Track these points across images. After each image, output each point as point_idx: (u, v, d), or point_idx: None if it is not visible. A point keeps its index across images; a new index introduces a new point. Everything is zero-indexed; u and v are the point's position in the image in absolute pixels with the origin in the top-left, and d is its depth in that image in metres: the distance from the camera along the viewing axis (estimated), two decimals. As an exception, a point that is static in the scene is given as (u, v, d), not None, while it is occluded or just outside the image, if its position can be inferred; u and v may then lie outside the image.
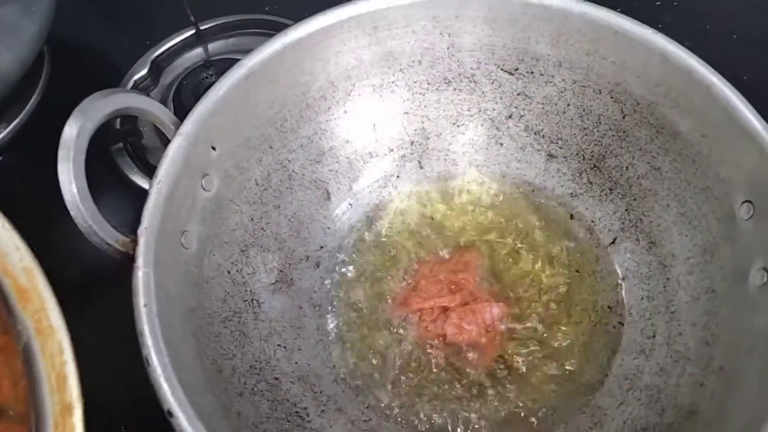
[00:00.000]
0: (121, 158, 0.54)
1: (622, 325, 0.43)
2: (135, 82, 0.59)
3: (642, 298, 0.43)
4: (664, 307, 0.42)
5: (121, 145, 0.55)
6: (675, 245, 0.43)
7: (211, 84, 0.58)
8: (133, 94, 0.38)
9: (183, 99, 0.57)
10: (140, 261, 0.34)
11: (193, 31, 0.62)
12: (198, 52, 0.62)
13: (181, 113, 0.50)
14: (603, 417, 0.40)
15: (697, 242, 0.42)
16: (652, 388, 0.40)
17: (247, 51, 0.60)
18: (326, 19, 0.43)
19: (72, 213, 0.34)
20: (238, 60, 0.56)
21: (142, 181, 0.53)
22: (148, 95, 0.50)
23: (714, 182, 0.40)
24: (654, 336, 0.42)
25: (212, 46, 0.62)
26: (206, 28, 0.62)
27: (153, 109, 0.38)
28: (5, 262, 0.28)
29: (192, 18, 0.60)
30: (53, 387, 0.27)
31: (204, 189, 0.41)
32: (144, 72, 0.59)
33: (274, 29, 0.63)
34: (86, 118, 0.34)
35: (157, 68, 0.60)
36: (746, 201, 0.38)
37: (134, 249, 0.35)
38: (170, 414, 0.31)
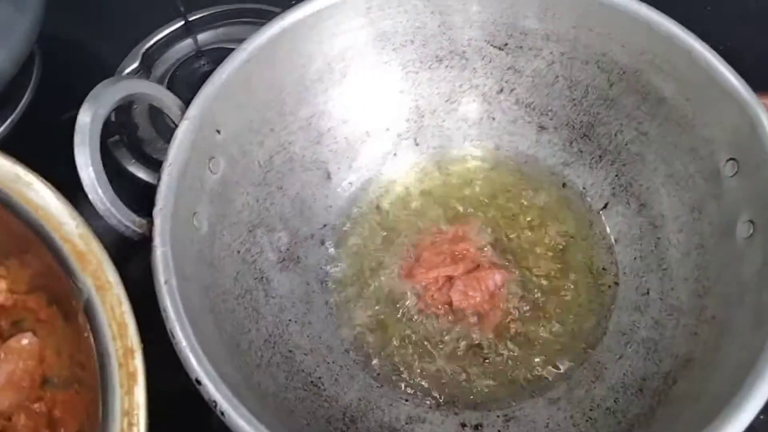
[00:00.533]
0: (118, 150, 0.55)
1: (617, 284, 0.45)
2: (127, 75, 0.60)
3: (635, 258, 0.46)
4: (657, 264, 0.44)
5: (117, 137, 0.55)
6: (664, 206, 0.45)
7: (206, 72, 0.59)
8: (139, 81, 0.39)
9: (176, 89, 0.57)
10: (158, 240, 0.36)
11: (182, 23, 0.62)
12: (188, 43, 0.63)
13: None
14: (603, 371, 0.42)
15: (685, 201, 0.44)
16: (649, 341, 0.42)
17: (236, 40, 0.62)
18: (321, 2, 0.44)
19: (90, 196, 0.35)
20: (229, 48, 0.57)
21: (140, 172, 0.54)
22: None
23: (699, 143, 0.42)
24: (648, 293, 0.44)
25: (201, 37, 0.63)
26: (195, 19, 0.63)
27: (160, 94, 0.39)
28: (63, 230, 0.32)
29: (181, 9, 0.61)
30: (115, 334, 0.30)
31: (211, 171, 0.42)
32: (135, 65, 0.60)
33: (262, 18, 0.64)
34: (98, 105, 0.35)
35: (148, 61, 0.61)
36: (730, 159, 0.40)
37: (151, 229, 0.36)
38: (198, 382, 0.32)
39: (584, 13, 0.44)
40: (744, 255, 0.38)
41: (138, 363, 0.29)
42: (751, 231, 0.38)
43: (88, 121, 0.34)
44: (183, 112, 0.40)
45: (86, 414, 0.29)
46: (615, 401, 0.40)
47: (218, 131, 0.42)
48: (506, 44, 0.48)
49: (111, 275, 0.31)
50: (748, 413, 0.30)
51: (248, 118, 0.44)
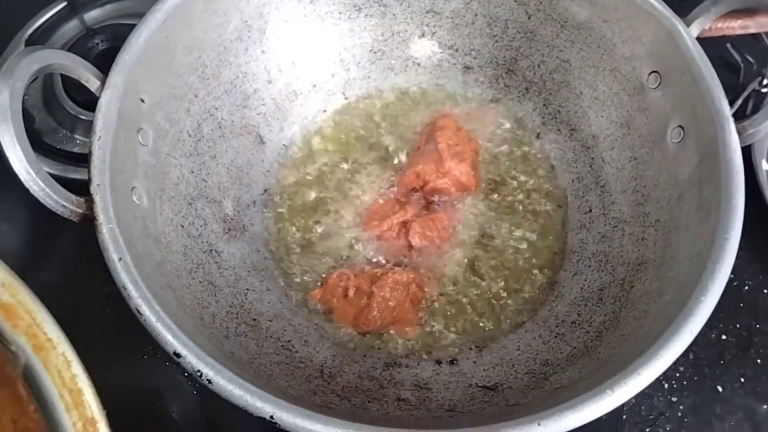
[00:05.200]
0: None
1: (561, 207, 0.47)
2: (38, 47, 0.55)
3: (573, 180, 0.47)
4: (594, 183, 0.46)
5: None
6: (593, 127, 0.47)
7: (103, 50, 0.55)
8: (53, 51, 0.35)
9: (72, 72, 0.53)
10: (101, 217, 0.33)
11: (65, 3, 0.58)
12: (74, 24, 0.58)
13: (75, 88, 0.49)
14: (561, 289, 0.44)
15: (613, 119, 0.46)
16: (599, 254, 0.44)
17: (130, 15, 0.58)
18: (233, -45, 0.42)
19: (22, 178, 0.31)
20: (125, 24, 0.54)
21: (46, 167, 0.49)
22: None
23: (620, 62, 0.44)
24: (590, 210, 0.46)
25: (89, 16, 0.58)
26: (79, -2, 0.58)
27: (77, 64, 0.36)
28: None
29: (63, -13, 0.56)
30: (69, 404, 0.24)
31: (141, 143, 0.39)
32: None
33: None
34: (15, 78, 0.32)
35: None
36: (652, 72, 0.42)
37: (92, 207, 0.33)
38: (177, 355, 0.30)
39: (496, -53, 0.45)
40: (677, 158, 0.40)
41: None
42: (682, 135, 0.40)
43: (6, 96, 0.31)
44: (103, 81, 0.37)
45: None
46: (578, 314, 0.41)
47: (142, 100, 0.39)
48: (423, -14, 0.48)
49: (51, 331, 0.25)
50: (718, 285, 0.32)
51: (171, 84, 0.42)
